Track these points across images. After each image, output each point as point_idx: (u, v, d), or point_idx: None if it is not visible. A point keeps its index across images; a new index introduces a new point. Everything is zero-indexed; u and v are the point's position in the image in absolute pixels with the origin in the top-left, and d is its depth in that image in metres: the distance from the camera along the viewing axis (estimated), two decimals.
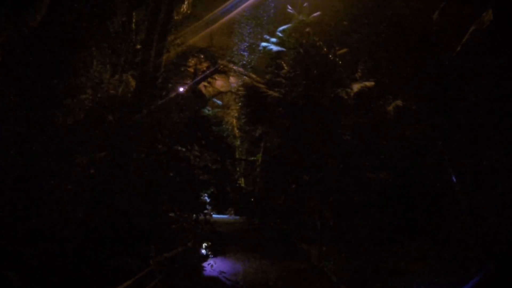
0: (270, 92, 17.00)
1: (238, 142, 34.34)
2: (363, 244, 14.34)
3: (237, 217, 27.97)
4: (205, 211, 25.16)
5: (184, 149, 18.06)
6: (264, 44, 28.51)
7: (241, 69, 29.81)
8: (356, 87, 14.53)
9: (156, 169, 15.84)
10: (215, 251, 14.53)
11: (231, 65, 29.37)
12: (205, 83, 25.78)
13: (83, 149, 13.53)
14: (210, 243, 13.16)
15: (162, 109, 17.60)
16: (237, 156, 34.27)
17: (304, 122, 16.52)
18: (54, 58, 12.02)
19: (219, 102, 30.45)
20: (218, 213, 29.47)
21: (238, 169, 33.38)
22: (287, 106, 16.91)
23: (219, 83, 33.75)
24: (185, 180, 16.93)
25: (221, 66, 26.17)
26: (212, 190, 17.81)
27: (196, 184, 16.79)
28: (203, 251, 13.63)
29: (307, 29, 21.43)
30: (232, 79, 31.82)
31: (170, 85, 20.24)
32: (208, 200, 23.47)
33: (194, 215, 16.36)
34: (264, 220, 23.37)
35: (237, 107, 34.56)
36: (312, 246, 15.67)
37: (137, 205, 14.15)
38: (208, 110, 30.97)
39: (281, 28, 28.33)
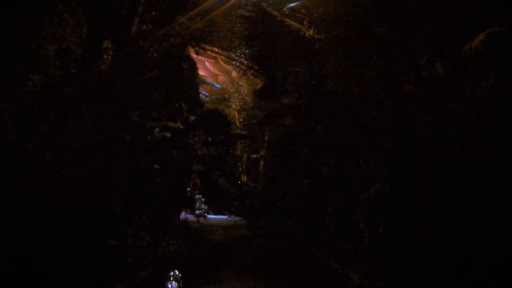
0: (290, 22, 10.10)
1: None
2: (446, 270, 7.37)
3: (238, 219, 21.05)
4: (198, 212, 18.26)
5: (164, 134, 11.21)
6: None
7: (243, 61, 22.97)
8: None
9: (113, 154, 8.96)
10: (195, 281, 7.43)
11: (232, 55, 22.63)
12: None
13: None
14: (179, 274, 6.07)
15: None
16: (238, 152, 27.74)
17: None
18: None
19: (217, 85, 23.77)
20: (217, 214, 22.68)
21: (239, 165, 27.08)
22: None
23: (221, 78, 27.18)
24: (159, 169, 9.97)
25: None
26: (196, 183, 10.57)
27: (173, 173, 9.80)
28: (172, 285, 6.55)
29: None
30: (234, 74, 25.24)
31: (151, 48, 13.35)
32: (203, 199, 16.47)
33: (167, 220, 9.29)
34: (271, 223, 16.36)
35: (240, 100, 27.82)
36: (351, 268, 8.60)
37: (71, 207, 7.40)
38: (205, 96, 24.31)
39: (288, 6, 21.64)
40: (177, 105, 12.46)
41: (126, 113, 10.67)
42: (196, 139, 12.70)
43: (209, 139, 11.60)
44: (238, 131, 19.75)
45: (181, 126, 12.07)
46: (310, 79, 13.81)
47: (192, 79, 14.01)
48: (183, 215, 17.27)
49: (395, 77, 9.70)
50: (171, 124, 10.02)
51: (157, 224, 8.41)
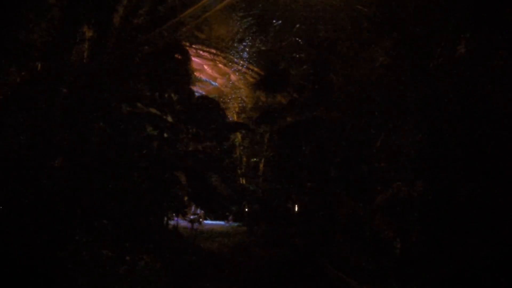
0: None
1: (239, 139, 25.73)
2: None
3: (236, 224, 19.07)
4: (192, 217, 16.24)
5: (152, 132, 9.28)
6: None
7: (241, 62, 21.15)
8: None
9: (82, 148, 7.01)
10: None
11: (231, 57, 20.88)
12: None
13: None
14: None
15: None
16: (237, 155, 25.78)
17: None
18: None
19: (214, 83, 21.89)
20: (213, 219, 20.72)
21: (238, 168, 25.14)
22: None
23: (220, 81, 25.49)
24: (140, 166, 7.98)
25: None
26: (183, 182, 8.49)
27: (158, 171, 7.80)
28: None
29: None
30: (233, 76, 23.51)
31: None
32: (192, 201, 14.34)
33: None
34: (272, 230, 14.35)
35: (238, 103, 25.90)
36: None
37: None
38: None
39: None
40: (166, 95, 10.52)
41: (105, 103, 8.78)
42: (190, 136, 10.73)
43: (201, 133, 9.66)
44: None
45: (170, 119, 10.13)
46: (316, 65, 11.89)
47: (184, 69, 12.09)
48: (176, 220, 15.32)
49: (422, 55, 7.81)
50: (153, 110, 8.06)
51: (126, 232, 6.37)
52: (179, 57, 12.13)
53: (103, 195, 6.28)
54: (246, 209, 18.84)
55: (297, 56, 12.49)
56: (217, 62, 20.34)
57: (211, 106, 9.97)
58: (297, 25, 12.85)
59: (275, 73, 13.53)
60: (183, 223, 16.02)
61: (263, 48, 14.98)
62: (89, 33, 9.62)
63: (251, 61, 19.87)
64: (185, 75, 11.14)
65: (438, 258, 6.46)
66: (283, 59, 13.18)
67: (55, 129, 7.58)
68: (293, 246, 11.77)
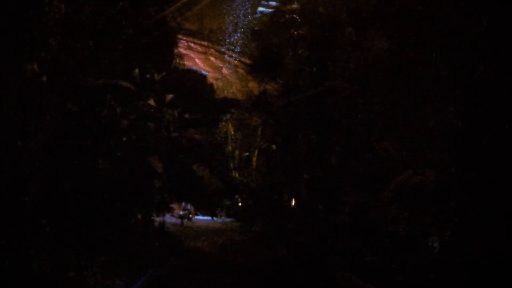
0: None
1: (231, 132, 24.30)
2: None
3: (229, 220, 17.61)
4: (181, 213, 14.73)
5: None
6: (262, 9, 18.45)
7: (233, 55, 19.69)
8: None
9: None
10: None
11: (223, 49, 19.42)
12: None
13: None
14: None
15: None
16: (229, 149, 24.34)
17: None
18: None
19: (205, 72, 20.38)
20: (207, 215, 19.24)
21: (231, 162, 23.73)
22: None
23: (212, 75, 23.90)
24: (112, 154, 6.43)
25: None
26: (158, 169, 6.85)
27: (135, 160, 6.26)
28: None
29: None
30: (225, 70, 21.91)
31: None
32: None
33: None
34: (269, 226, 12.92)
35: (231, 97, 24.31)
36: None
37: None
38: None
39: None
40: (148, 75, 8.98)
41: (72, 80, 7.19)
42: (177, 124, 9.14)
43: (187, 116, 8.08)
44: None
45: (153, 103, 8.61)
46: (313, 44, 10.44)
47: (168, 48, 10.55)
48: (168, 216, 13.87)
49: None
50: (124, 83, 6.44)
51: (73, 235, 4.67)
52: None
53: (50, 185, 4.72)
54: (240, 204, 17.42)
55: (295, 32, 11.00)
56: (209, 55, 19.14)
57: (197, 79, 8.41)
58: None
59: (268, 57, 12.04)
60: (172, 219, 14.58)
61: (256, 28, 13.46)
62: (62, 9, 8.14)
63: (242, 54, 18.48)
64: (169, 52, 9.56)
65: (479, 256, 5.08)
66: (278, 39, 11.72)
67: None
68: (293, 243, 10.31)
